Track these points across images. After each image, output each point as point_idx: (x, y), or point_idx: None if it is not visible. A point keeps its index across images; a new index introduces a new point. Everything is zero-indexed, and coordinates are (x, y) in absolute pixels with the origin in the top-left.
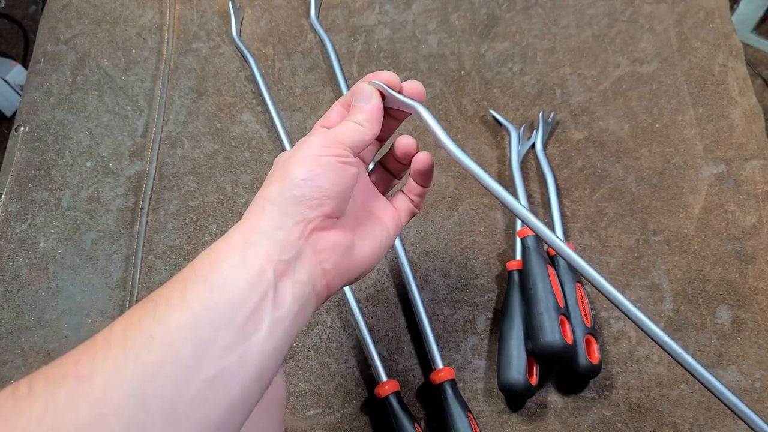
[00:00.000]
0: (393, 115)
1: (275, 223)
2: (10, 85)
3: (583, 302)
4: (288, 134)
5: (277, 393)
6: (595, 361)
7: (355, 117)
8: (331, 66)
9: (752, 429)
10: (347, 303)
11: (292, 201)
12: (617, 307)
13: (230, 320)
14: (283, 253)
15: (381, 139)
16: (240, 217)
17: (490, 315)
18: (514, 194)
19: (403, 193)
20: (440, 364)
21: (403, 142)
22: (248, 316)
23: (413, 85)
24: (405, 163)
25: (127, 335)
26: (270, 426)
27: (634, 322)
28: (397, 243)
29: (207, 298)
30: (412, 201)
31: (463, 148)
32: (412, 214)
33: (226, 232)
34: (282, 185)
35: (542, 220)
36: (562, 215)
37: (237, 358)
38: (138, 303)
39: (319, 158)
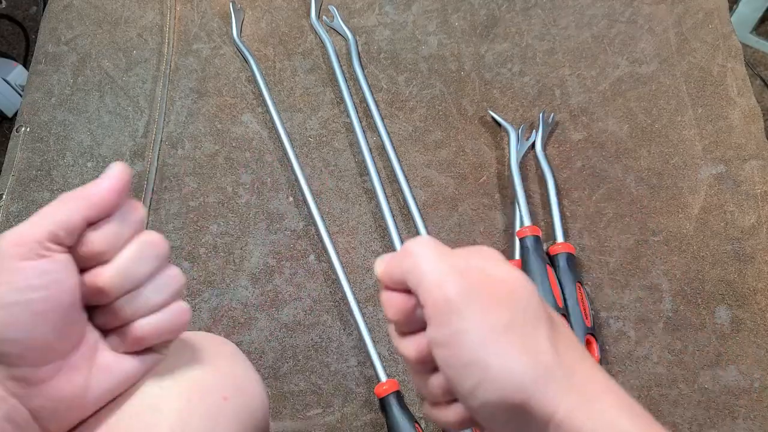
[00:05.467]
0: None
1: None
2: (11, 86)
3: (582, 302)
4: (288, 135)
5: (254, 412)
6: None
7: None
8: (331, 67)
9: None
10: (347, 303)
11: None
12: None
13: None
14: None
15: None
16: (241, 217)
17: None
18: (514, 195)
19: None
20: None
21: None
22: None
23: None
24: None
25: None
26: None
27: None
28: (397, 243)
29: None
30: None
31: None
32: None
33: (227, 232)
34: None
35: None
36: (562, 215)
37: None
38: None
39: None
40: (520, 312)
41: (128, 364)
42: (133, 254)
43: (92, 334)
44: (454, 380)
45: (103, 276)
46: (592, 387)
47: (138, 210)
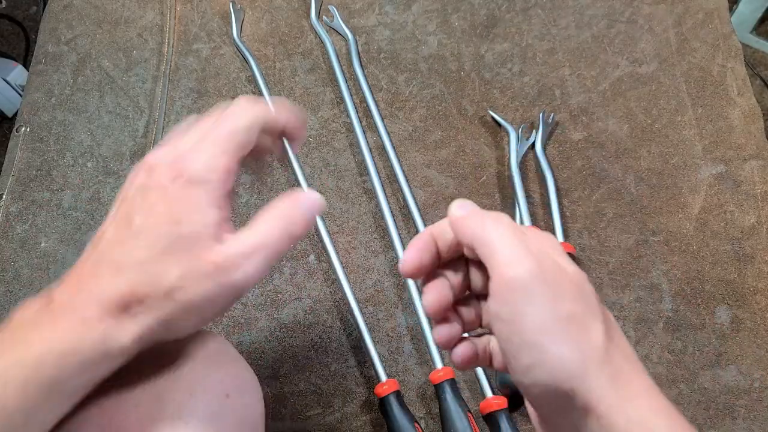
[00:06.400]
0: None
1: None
2: (11, 86)
3: None
4: None
5: (253, 412)
6: None
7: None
8: (331, 67)
9: None
10: (347, 303)
11: (157, 320)
12: None
13: None
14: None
15: None
16: (241, 217)
17: None
18: (513, 195)
19: None
20: (440, 364)
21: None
22: None
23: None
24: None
25: None
26: None
27: None
28: (397, 242)
29: None
30: None
31: None
32: None
33: None
34: (147, 288)
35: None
36: (562, 215)
37: None
38: None
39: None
40: (582, 306)
41: None
42: None
43: None
44: (510, 355)
45: None
46: (634, 386)
47: None
